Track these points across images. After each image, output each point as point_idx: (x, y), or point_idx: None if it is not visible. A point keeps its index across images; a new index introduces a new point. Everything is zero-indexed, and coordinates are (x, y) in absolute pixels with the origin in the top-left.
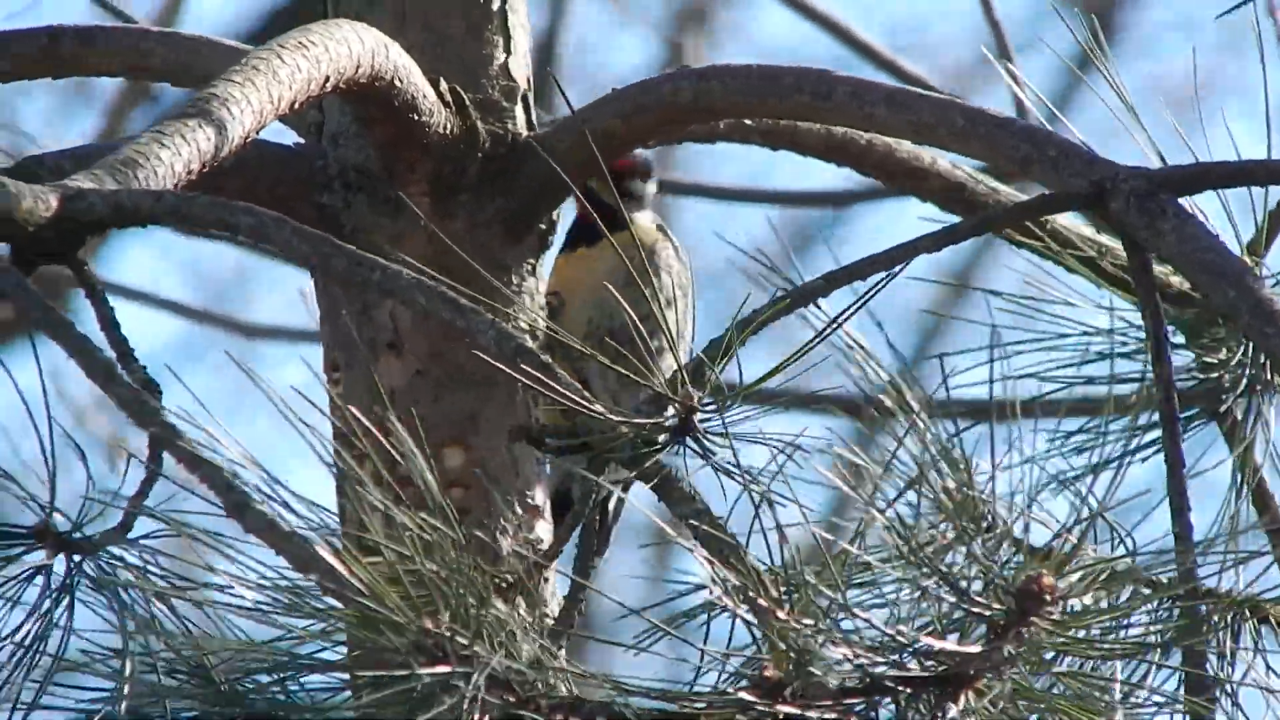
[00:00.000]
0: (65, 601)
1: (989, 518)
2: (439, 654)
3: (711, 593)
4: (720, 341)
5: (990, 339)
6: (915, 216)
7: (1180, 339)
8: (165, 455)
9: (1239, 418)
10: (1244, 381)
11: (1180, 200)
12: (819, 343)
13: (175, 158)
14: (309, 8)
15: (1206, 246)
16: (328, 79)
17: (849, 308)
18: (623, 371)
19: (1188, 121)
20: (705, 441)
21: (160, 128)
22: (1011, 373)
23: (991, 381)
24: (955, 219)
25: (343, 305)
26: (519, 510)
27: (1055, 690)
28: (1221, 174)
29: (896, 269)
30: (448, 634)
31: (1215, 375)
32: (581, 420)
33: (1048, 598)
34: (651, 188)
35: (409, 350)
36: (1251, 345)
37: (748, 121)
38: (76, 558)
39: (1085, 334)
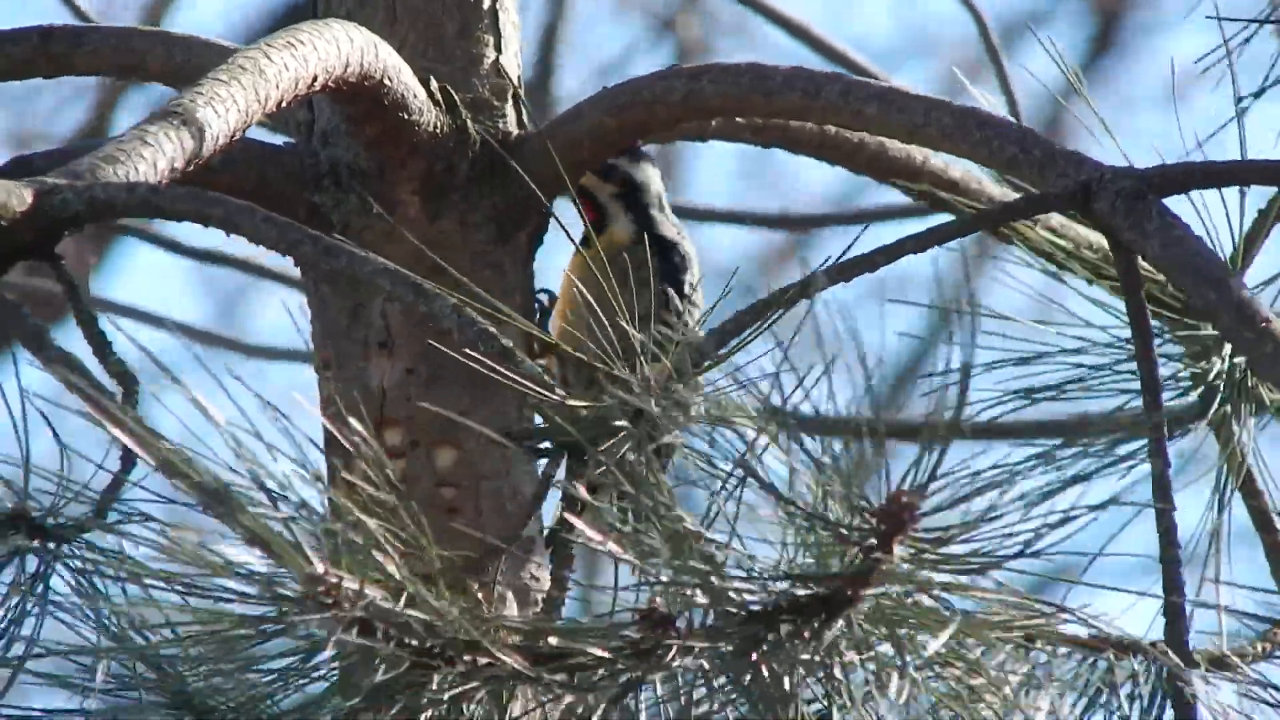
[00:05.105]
0: (39, 589)
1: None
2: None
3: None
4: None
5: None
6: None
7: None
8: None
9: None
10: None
11: (1166, 200)
12: (755, 337)
13: (158, 155)
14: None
15: (1190, 249)
16: (316, 78)
17: (777, 309)
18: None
19: (1196, 112)
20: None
21: (144, 126)
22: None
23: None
24: (946, 218)
25: (333, 304)
26: (509, 509)
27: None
28: (1208, 174)
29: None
30: (334, 580)
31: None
32: (539, 407)
33: (906, 517)
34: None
35: (400, 349)
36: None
37: (739, 119)
38: (52, 545)
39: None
